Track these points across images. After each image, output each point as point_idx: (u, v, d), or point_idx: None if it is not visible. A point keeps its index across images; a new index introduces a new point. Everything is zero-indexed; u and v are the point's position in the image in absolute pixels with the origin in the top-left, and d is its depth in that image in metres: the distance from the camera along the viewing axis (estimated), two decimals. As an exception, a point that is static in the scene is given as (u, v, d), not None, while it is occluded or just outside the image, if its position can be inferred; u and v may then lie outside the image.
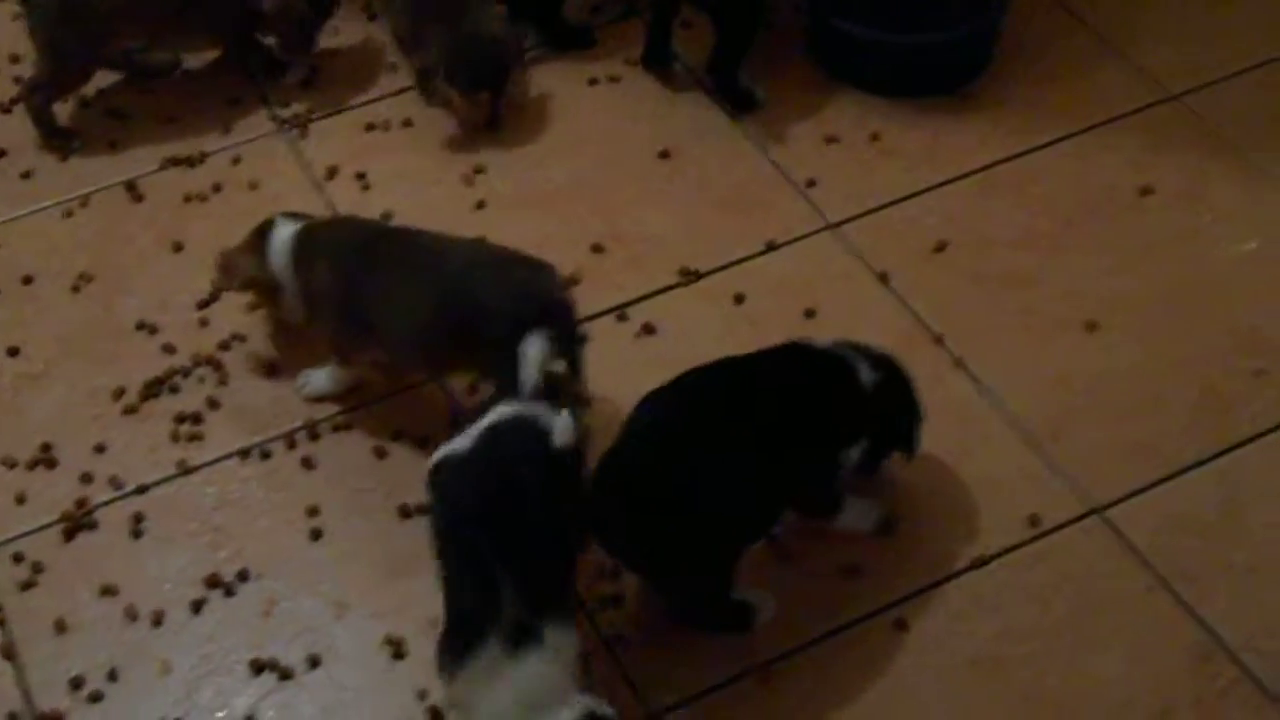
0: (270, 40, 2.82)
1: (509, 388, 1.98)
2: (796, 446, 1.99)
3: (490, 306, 2.05)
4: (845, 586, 2.09)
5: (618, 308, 2.44)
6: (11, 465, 2.28)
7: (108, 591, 2.13)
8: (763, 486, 1.97)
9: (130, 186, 2.67)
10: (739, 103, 2.73)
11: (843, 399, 2.05)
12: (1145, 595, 2.07)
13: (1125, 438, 2.25)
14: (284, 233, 2.26)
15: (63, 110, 2.79)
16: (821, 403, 2.03)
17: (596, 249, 2.53)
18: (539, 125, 2.74)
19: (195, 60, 2.88)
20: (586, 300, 2.42)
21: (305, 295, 2.24)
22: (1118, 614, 2.06)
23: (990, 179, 2.64)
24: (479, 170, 2.66)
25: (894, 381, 2.10)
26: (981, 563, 2.12)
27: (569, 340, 2.07)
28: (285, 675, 2.03)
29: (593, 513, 1.95)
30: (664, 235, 2.55)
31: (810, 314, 2.43)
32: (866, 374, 2.06)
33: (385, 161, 2.69)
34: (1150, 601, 2.07)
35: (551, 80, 2.81)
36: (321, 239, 2.24)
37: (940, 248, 2.53)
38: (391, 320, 2.16)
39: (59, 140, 2.73)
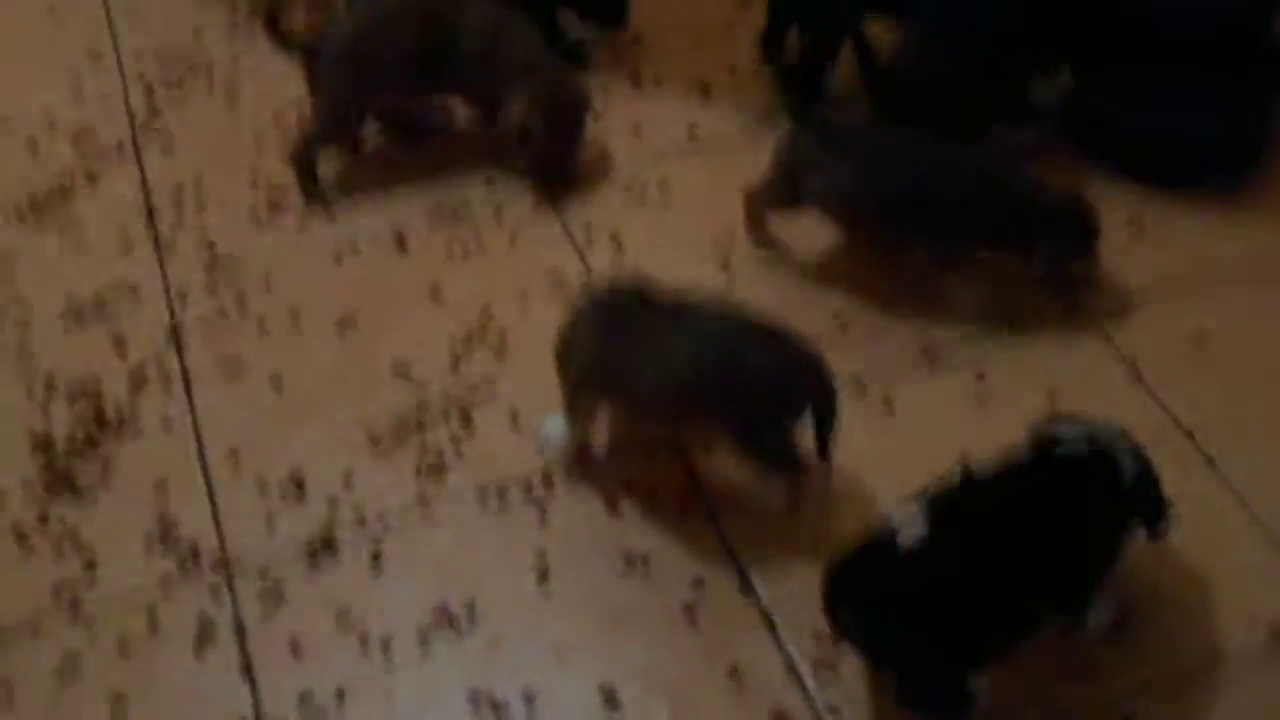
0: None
1: (769, 455, 2.10)
2: (1057, 556, 1.96)
3: (759, 377, 2.12)
4: (1072, 684, 2.04)
5: (857, 378, 2.44)
6: (265, 490, 2.40)
7: (343, 617, 2.21)
8: (1019, 598, 1.94)
9: (397, 234, 2.79)
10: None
11: (1106, 503, 2.01)
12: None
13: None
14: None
15: (332, 164, 2.93)
16: (1084, 511, 2.00)
17: (839, 318, 2.54)
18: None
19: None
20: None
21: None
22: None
23: (1256, 271, 2.57)
24: (728, 235, 2.70)
25: (1149, 471, 2.06)
26: (1219, 664, 2.04)
27: (830, 419, 2.16)
28: (501, 712, 2.08)
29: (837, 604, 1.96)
30: (907, 308, 2.55)
31: (1053, 396, 2.39)
32: (1129, 468, 2.02)
33: (639, 222, 2.76)
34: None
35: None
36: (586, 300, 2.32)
37: (1197, 339, 2.47)
38: (645, 378, 2.22)
39: (316, 195, 2.87)
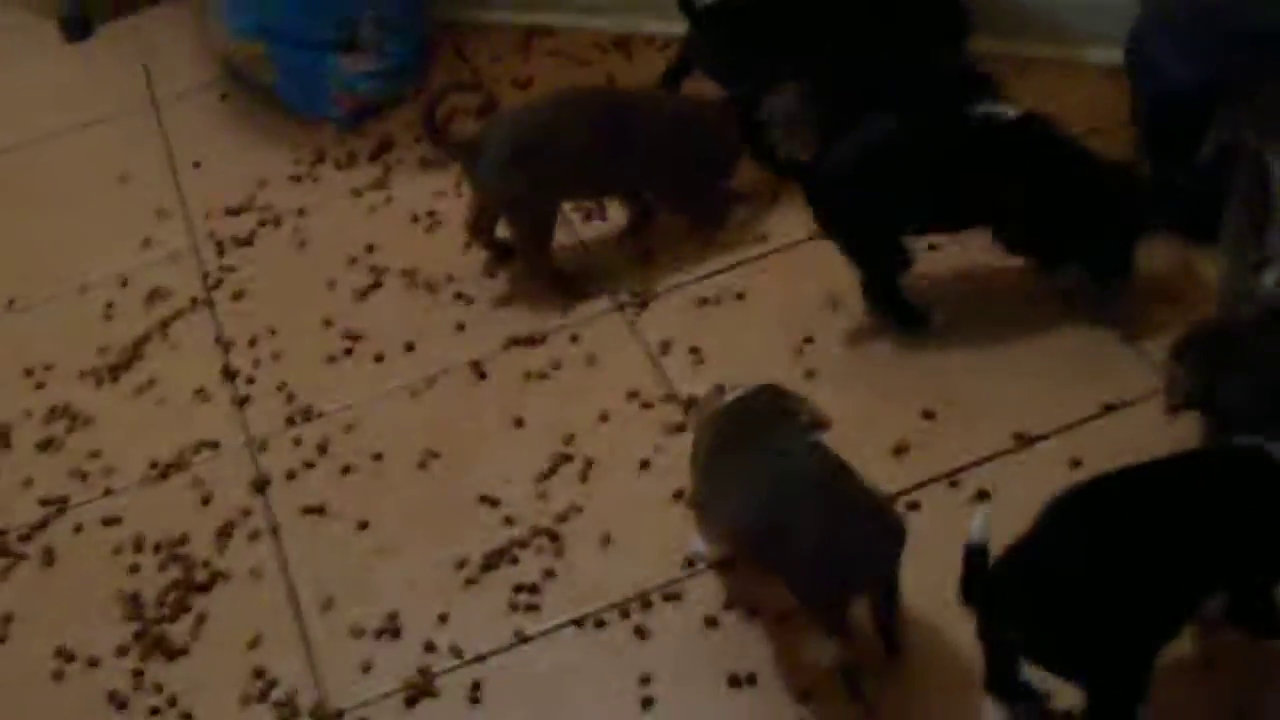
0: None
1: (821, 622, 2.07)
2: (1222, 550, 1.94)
3: (809, 551, 2.03)
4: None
5: (949, 474, 2.39)
6: (360, 634, 2.36)
7: (444, 757, 2.18)
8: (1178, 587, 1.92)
9: (475, 365, 2.77)
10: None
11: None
12: None
13: None
14: None
15: (411, 299, 2.94)
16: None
17: (927, 415, 2.49)
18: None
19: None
20: (917, 468, 2.39)
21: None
22: None
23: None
24: (808, 340, 2.67)
25: None
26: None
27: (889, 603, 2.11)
28: (615, 845, 2.03)
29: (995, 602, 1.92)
30: (996, 398, 2.49)
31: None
32: None
33: (717, 335, 2.73)
34: None
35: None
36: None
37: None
38: (716, 507, 2.22)
39: (572, 290, 2.88)
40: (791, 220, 2.89)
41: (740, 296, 2.79)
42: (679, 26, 3.34)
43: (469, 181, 2.86)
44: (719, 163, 2.91)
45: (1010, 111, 2.55)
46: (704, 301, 2.80)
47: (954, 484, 2.38)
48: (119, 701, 2.34)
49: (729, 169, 2.93)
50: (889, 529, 2.06)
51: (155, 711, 2.32)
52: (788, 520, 2.04)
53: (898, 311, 2.63)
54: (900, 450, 2.43)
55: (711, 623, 2.26)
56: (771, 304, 2.76)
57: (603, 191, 2.94)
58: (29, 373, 2.96)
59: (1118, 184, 2.54)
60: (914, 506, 2.35)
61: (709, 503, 2.25)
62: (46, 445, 2.80)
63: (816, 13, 2.98)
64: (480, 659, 2.29)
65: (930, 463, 2.40)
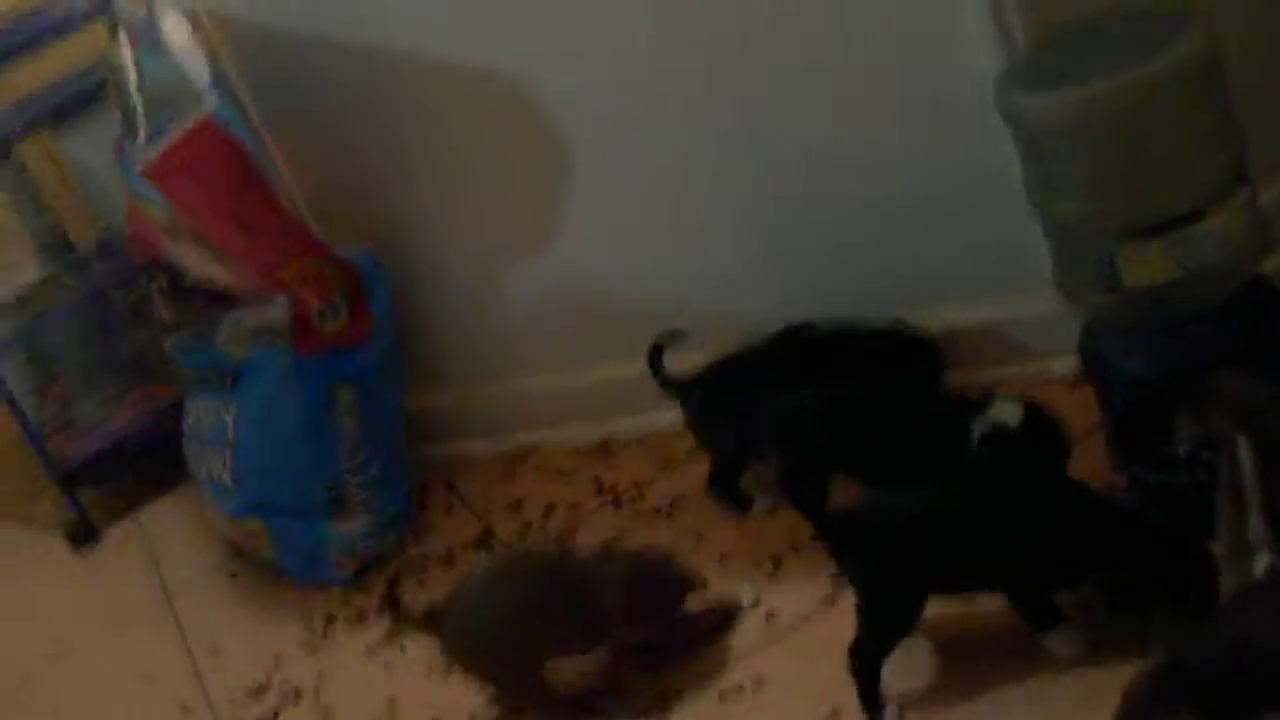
0: None
1: None
2: None
3: None
4: None
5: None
6: None
7: None
8: None
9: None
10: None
11: None
12: None
13: None
14: None
15: None
16: None
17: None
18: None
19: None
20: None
21: None
22: None
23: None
24: (835, 714, 2.61)
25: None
26: None
27: None
28: None
29: None
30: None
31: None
32: None
33: (744, 725, 2.68)
34: None
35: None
36: None
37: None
38: None
39: None
40: (798, 588, 2.88)
41: (759, 683, 2.75)
42: (658, 420, 3.43)
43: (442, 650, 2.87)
44: (668, 610, 2.87)
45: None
46: (724, 696, 2.75)
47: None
48: None
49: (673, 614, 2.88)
50: None
51: None
52: None
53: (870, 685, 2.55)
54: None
55: None
56: (791, 685, 2.72)
57: (570, 652, 2.87)
58: None
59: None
60: None
61: None
62: None
63: (790, 364, 3.07)
64: None
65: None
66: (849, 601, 2.58)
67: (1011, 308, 3.07)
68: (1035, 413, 2.72)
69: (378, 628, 3.29)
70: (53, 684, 3.61)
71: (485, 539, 3.37)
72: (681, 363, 3.15)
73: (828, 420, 2.92)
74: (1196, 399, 2.46)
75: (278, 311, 3.35)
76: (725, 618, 2.90)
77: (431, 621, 2.83)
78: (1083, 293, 2.61)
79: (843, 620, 2.59)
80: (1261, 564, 2.16)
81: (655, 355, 3.12)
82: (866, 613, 2.54)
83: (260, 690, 3.27)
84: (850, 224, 3.11)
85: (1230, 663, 1.97)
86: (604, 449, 3.52)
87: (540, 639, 2.79)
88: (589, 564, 2.96)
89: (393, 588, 2.84)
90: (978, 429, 2.70)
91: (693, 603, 2.87)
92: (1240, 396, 2.37)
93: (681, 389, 3.13)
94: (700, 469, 3.21)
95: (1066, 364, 2.99)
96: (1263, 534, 2.17)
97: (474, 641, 2.80)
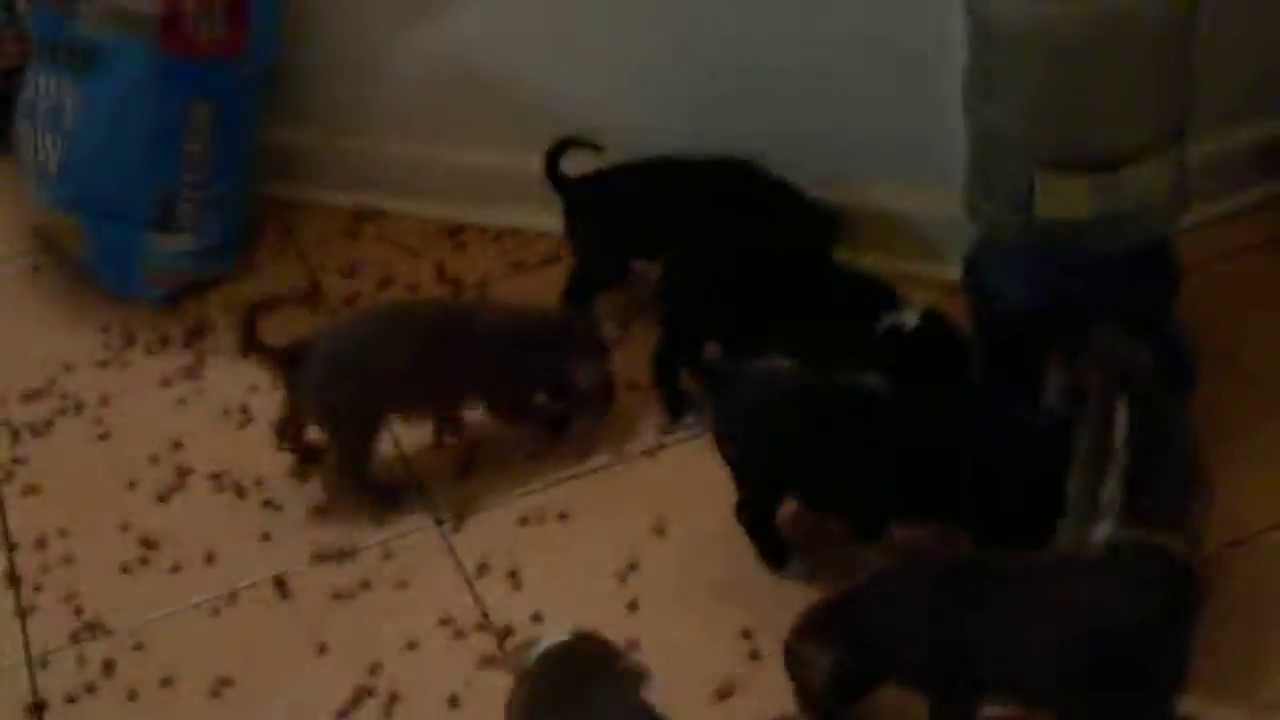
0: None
1: None
2: None
3: None
4: None
5: (775, 723, 2.28)
6: None
7: None
8: None
9: (279, 582, 2.61)
10: None
11: None
12: None
13: None
14: None
15: (216, 503, 2.77)
16: None
17: (754, 655, 2.37)
18: (697, 518, 2.62)
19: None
20: (739, 714, 2.27)
21: None
22: None
23: None
24: (633, 566, 2.55)
25: None
26: None
27: None
28: None
29: None
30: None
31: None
32: None
33: (538, 557, 2.59)
34: None
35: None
36: None
37: None
38: None
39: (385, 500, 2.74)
40: (624, 435, 2.79)
41: (564, 517, 2.67)
42: (515, 217, 3.29)
43: (287, 390, 2.72)
44: (558, 376, 2.77)
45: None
46: (525, 520, 2.67)
47: (781, 733, 2.27)
48: None
49: (572, 383, 2.78)
50: None
51: None
52: None
53: (764, 541, 2.52)
54: (724, 694, 2.31)
55: None
56: (596, 526, 2.64)
57: (430, 407, 2.80)
58: None
59: None
60: (735, 759, 2.24)
61: None
62: None
63: (684, 194, 2.94)
64: None
65: (753, 709, 2.28)
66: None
67: (919, 203, 2.96)
68: (935, 321, 2.63)
69: (179, 358, 3.12)
70: None
71: (313, 295, 3.20)
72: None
73: (720, 281, 2.79)
74: (1072, 348, 2.39)
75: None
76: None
77: (284, 355, 2.68)
78: (988, 208, 2.52)
79: (663, 470, 2.52)
80: (1102, 532, 2.11)
81: (557, 150, 2.96)
82: (738, 470, 2.48)
83: (38, 394, 3.08)
84: (777, 68, 2.95)
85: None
86: (456, 235, 3.34)
87: (402, 379, 2.68)
88: (477, 312, 2.83)
89: (252, 314, 2.64)
90: (880, 326, 2.61)
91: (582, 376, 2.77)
92: (1121, 357, 2.31)
93: (570, 185, 2.98)
94: (553, 277, 3.08)
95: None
96: (1116, 500, 2.12)
97: (334, 376, 2.65)
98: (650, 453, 2.76)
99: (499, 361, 2.72)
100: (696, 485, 2.64)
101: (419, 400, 2.76)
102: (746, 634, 2.40)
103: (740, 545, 2.51)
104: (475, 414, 2.78)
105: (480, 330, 2.73)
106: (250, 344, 2.68)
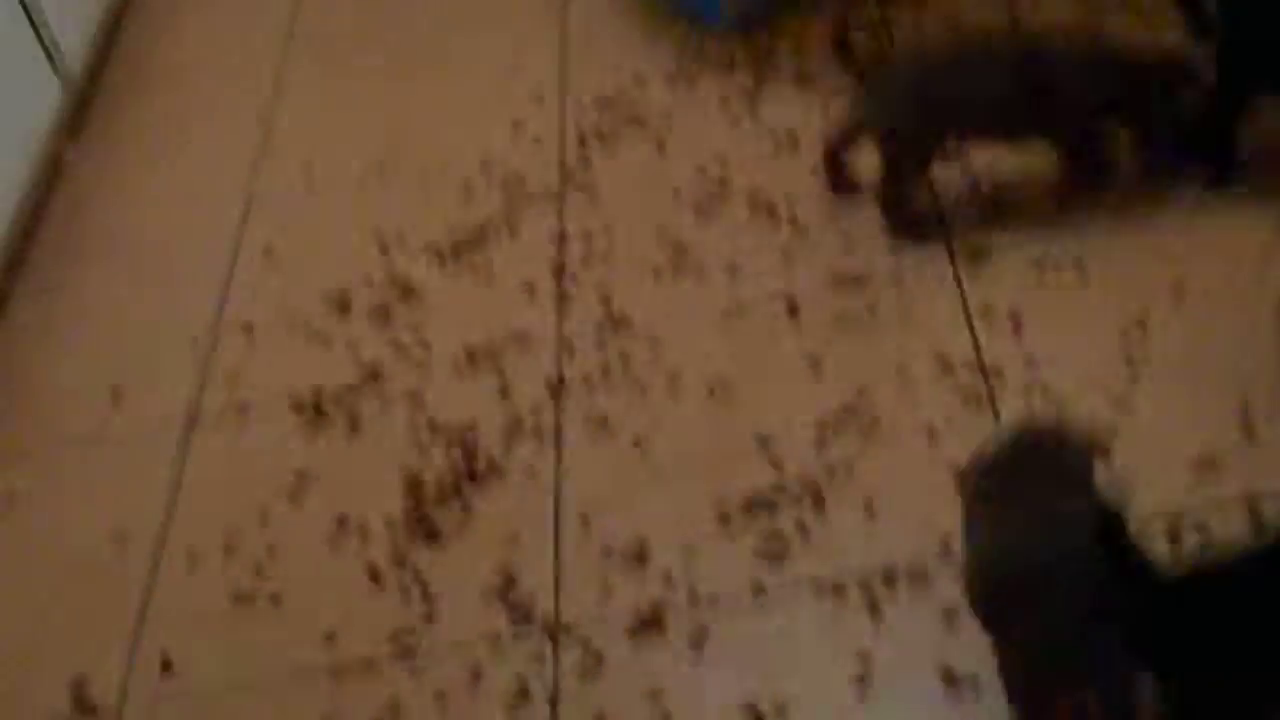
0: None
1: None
2: None
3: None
4: None
5: (1251, 498, 2.15)
6: (608, 554, 2.36)
7: (654, 697, 2.15)
8: None
9: (790, 300, 2.69)
10: None
11: None
12: None
13: None
14: None
15: (747, 218, 2.87)
16: None
17: (1247, 430, 2.24)
18: (1217, 287, 2.47)
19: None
20: (1217, 487, 2.19)
21: None
22: None
23: None
24: (1140, 324, 2.44)
25: None
26: None
27: None
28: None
29: None
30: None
31: None
32: None
33: (1043, 302, 2.54)
34: None
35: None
36: None
37: None
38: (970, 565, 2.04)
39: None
40: (1156, 196, 2.65)
41: (1079, 266, 2.58)
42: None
43: (853, 108, 2.77)
44: (1137, 105, 2.62)
45: None
46: (1039, 264, 2.60)
47: (1254, 511, 2.14)
48: (374, 575, 2.42)
49: (1156, 129, 2.64)
50: None
51: (407, 594, 2.39)
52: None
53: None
54: (1203, 466, 2.21)
55: (949, 615, 2.13)
56: (1111, 279, 2.55)
57: (999, 138, 2.73)
58: (380, 241, 3.06)
59: None
60: (1200, 529, 2.14)
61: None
62: (377, 313, 2.90)
63: None
64: (713, 602, 2.25)
65: (1233, 483, 2.17)
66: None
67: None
68: None
69: (739, 80, 3.21)
70: (429, 46, 3.65)
71: (881, 29, 3.19)
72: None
73: None
74: None
75: None
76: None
77: (870, 72, 2.76)
78: None
79: (1190, 236, 2.38)
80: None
81: None
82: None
83: (608, 102, 3.26)
84: None
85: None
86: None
87: (979, 109, 2.65)
88: (1062, 45, 2.70)
89: (843, 28, 2.75)
90: None
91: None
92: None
93: None
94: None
95: None
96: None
97: (905, 97, 2.69)
98: (1183, 214, 2.61)
99: (1079, 86, 2.60)
100: (1223, 255, 2.51)
101: (988, 132, 2.71)
102: (1242, 410, 2.27)
103: (1254, 321, 2.36)
104: (1006, 156, 2.73)
105: (1062, 53, 2.64)
106: (840, 46, 2.77)
